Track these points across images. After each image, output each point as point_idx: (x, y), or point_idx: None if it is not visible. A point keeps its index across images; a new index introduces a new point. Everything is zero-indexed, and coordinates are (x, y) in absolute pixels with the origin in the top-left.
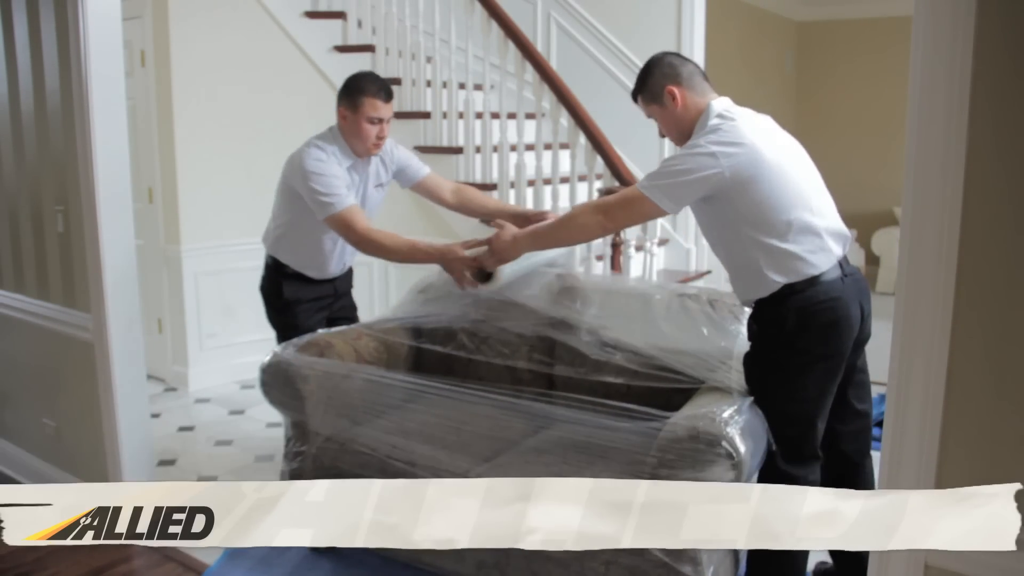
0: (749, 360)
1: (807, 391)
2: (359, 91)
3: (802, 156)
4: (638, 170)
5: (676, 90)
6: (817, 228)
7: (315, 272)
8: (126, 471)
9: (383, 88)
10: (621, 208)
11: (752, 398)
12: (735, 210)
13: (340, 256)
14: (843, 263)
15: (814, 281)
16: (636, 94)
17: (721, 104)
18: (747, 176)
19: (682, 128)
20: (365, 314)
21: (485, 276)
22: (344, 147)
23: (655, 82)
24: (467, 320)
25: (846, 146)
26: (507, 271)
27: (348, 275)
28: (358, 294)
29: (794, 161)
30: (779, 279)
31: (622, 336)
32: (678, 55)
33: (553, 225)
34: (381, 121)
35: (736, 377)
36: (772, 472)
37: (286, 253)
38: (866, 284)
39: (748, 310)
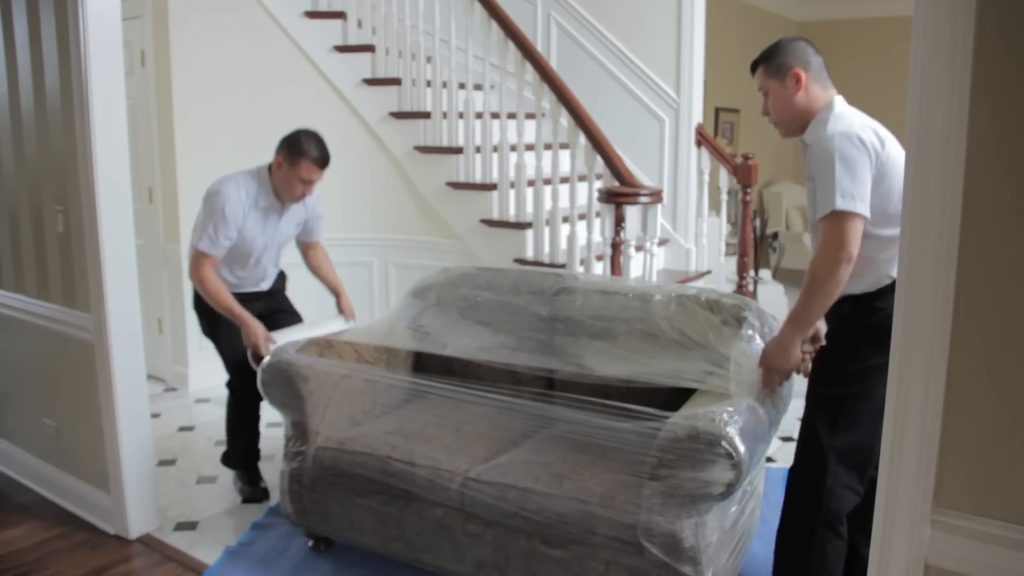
0: (827, 358)
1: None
2: (300, 152)
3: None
4: (638, 170)
5: (803, 74)
6: None
7: (235, 288)
8: (126, 471)
9: (323, 157)
10: (843, 235)
11: (750, 398)
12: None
13: (255, 276)
14: None
15: None
16: (758, 63)
17: (842, 103)
18: (885, 169)
19: (793, 113)
20: (365, 315)
21: (258, 358)
22: (268, 188)
23: (783, 60)
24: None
25: None
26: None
27: (279, 279)
28: (358, 296)
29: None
30: (895, 273)
31: (605, 369)
32: (812, 44)
33: (806, 297)
34: (311, 182)
35: (735, 380)
36: (818, 476)
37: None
38: None
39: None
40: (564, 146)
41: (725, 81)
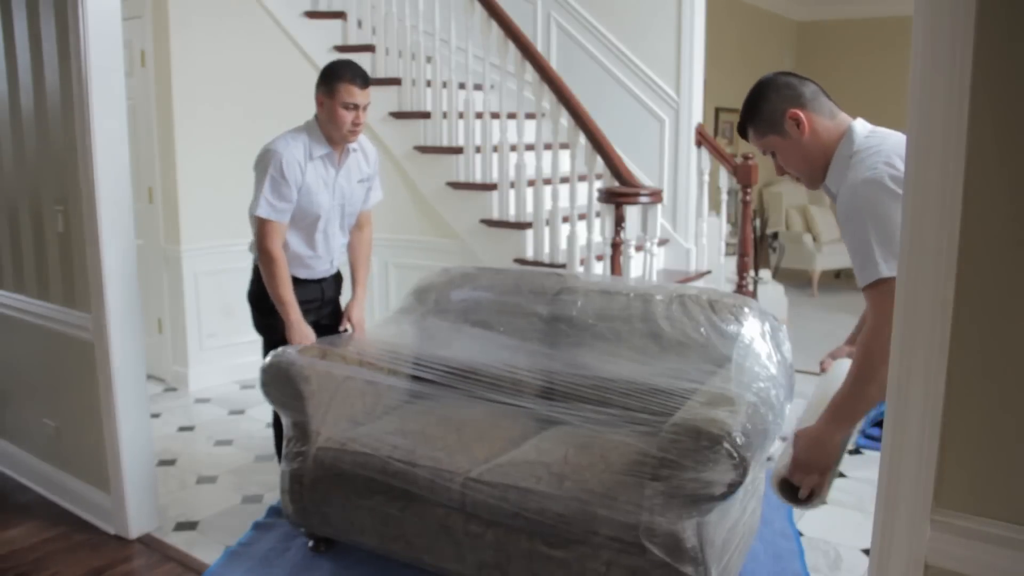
0: None
1: None
2: (335, 77)
3: None
4: (638, 170)
5: (801, 114)
6: None
7: (303, 271)
8: (126, 471)
9: (359, 75)
10: (888, 309)
11: (751, 398)
12: None
13: (327, 252)
14: None
15: None
16: (746, 125)
17: (864, 126)
18: None
19: (811, 161)
20: (365, 316)
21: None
22: (319, 136)
23: (773, 108)
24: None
25: None
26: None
27: (336, 280)
28: None
29: None
30: None
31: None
32: (793, 74)
33: (860, 384)
34: (357, 108)
35: (735, 380)
36: None
37: None
38: None
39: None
40: (564, 146)
41: (725, 81)
